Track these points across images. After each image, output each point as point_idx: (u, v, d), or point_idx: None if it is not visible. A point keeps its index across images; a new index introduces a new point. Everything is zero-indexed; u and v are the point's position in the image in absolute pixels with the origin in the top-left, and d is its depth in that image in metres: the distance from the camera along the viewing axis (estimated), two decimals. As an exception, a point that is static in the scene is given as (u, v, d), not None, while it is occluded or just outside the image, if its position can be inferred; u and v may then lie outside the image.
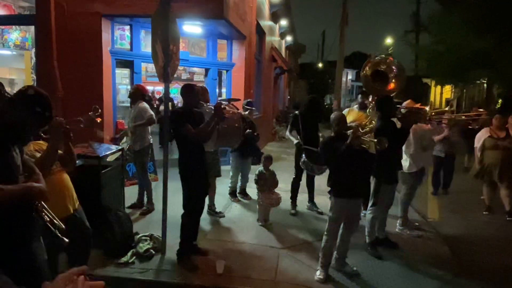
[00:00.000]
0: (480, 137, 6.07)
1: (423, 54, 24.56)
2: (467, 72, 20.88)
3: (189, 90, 3.88)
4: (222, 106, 3.79)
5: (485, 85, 24.89)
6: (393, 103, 4.40)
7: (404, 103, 5.04)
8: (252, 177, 5.72)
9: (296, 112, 5.79)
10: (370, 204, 4.50)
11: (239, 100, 6.10)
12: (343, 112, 5.03)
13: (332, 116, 3.96)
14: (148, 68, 10.80)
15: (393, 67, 4.63)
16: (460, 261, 4.37)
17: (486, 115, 7.56)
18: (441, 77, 24.71)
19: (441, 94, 32.53)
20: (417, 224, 5.37)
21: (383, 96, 4.43)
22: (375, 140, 3.46)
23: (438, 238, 5.03)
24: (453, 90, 30.48)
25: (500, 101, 23.90)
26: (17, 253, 1.69)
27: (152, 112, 5.34)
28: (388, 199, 4.51)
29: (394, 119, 4.30)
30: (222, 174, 5.64)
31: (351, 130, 3.68)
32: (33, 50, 7.58)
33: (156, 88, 13.54)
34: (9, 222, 1.63)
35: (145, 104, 5.39)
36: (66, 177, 3.05)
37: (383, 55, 5.02)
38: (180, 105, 4.77)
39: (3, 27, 7.67)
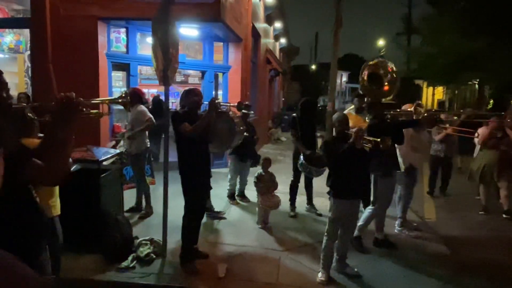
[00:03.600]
0: (482, 134, 6.11)
1: (414, 56, 24.82)
2: (459, 73, 21.12)
3: (190, 93, 3.91)
4: (217, 101, 3.83)
5: (476, 86, 25.22)
6: (382, 105, 4.50)
7: (403, 107, 5.09)
8: (251, 179, 5.72)
9: (294, 114, 5.81)
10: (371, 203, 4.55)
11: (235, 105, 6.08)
12: None
13: (335, 116, 3.99)
14: (142, 70, 10.76)
15: (388, 70, 4.68)
16: (459, 260, 4.40)
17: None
18: (433, 79, 24.99)
19: (433, 95, 32.87)
20: (415, 224, 5.41)
21: (373, 100, 4.54)
22: (379, 139, 3.49)
23: (436, 238, 5.06)
24: (445, 91, 30.82)
25: (491, 101, 24.23)
26: (27, 264, 1.66)
27: (150, 115, 5.31)
28: (386, 196, 4.55)
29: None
30: (220, 176, 5.64)
31: (354, 130, 3.72)
32: (27, 53, 7.51)
33: (150, 91, 13.51)
34: (22, 234, 1.60)
35: (143, 108, 5.35)
36: None
37: (378, 58, 5.08)
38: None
39: (-3, 30, 7.59)
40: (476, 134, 5.94)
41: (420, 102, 4.44)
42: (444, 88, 29.84)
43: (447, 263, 4.31)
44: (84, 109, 1.79)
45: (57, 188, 2.87)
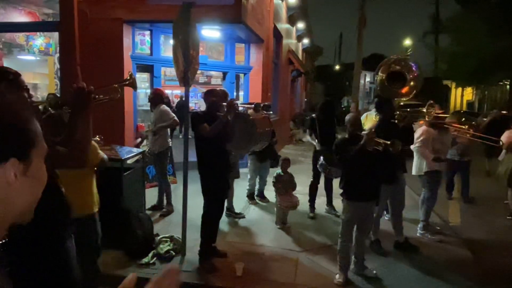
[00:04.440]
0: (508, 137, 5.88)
1: (442, 55, 24.17)
2: (489, 73, 20.41)
3: (210, 94, 3.97)
4: (235, 102, 3.87)
5: (507, 86, 24.30)
6: (392, 105, 4.41)
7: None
8: (270, 180, 5.75)
9: (313, 115, 5.80)
10: None
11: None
12: (361, 117, 5.01)
13: (347, 117, 3.96)
14: (166, 72, 10.98)
15: (410, 66, 4.58)
16: (482, 266, 4.27)
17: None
18: (462, 79, 24.27)
19: (462, 96, 31.89)
20: (438, 228, 5.28)
21: (382, 98, 4.46)
22: (389, 142, 3.45)
23: (460, 242, 4.93)
24: (474, 92, 29.83)
25: (524, 102, 23.26)
26: (53, 252, 1.75)
27: (173, 115, 5.43)
28: (393, 200, 4.49)
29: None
30: (240, 176, 5.69)
31: (365, 132, 3.70)
32: (57, 55, 7.81)
33: (174, 92, 13.78)
34: (49, 220, 1.68)
35: (166, 107, 5.49)
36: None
37: (396, 56, 4.96)
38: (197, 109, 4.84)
39: (28, 33, 7.93)
40: (500, 143, 5.70)
41: (432, 102, 4.28)
42: (473, 89, 28.91)
43: (469, 268, 4.19)
44: (97, 96, 2.02)
45: (94, 184, 2.85)
